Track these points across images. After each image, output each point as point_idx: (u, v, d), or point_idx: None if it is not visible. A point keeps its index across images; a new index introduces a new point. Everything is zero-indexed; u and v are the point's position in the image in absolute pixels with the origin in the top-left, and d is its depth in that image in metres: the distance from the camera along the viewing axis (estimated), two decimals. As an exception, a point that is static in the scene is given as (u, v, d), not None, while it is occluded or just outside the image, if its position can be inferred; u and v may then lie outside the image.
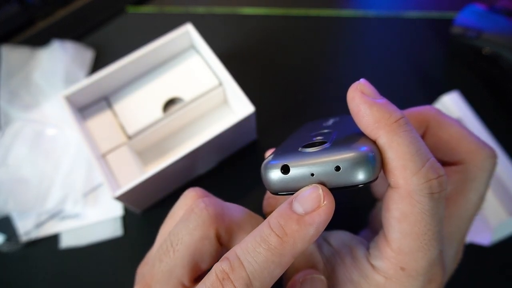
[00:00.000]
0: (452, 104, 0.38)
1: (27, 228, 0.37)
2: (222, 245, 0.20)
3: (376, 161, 0.16)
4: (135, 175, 0.35)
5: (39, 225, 0.37)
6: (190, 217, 0.19)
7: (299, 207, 0.16)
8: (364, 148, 0.16)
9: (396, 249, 0.18)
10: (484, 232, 0.34)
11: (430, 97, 0.40)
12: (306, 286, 0.19)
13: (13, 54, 0.43)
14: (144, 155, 0.38)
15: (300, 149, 0.18)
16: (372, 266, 0.19)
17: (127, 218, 0.38)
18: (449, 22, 0.44)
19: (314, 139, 0.19)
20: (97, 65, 0.44)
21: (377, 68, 0.44)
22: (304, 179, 0.17)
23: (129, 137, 0.36)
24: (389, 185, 0.18)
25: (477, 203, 0.20)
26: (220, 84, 0.38)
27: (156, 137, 0.38)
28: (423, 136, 0.21)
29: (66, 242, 0.37)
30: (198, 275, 0.21)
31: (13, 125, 0.40)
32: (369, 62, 0.44)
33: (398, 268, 0.18)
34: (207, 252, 0.20)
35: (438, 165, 0.17)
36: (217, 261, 0.18)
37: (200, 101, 0.37)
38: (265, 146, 0.40)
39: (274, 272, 0.16)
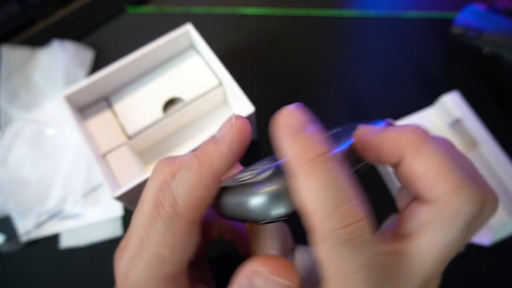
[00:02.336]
0: (452, 104, 0.38)
1: (27, 228, 0.37)
2: None
3: (276, 199, 0.16)
4: (135, 175, 0.35)
5: (39, 225, 0.37)
6: (157, 223, 0.18)
7: (217, 134, 0.18)
8: (260, 187, 0.16)
9: None
10: (484, 232, 0.34)
11: (430, 97, 0.40)
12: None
13: (13, 54, 0.43)
14: (144, 155, 0.38)
15: (237, 177, 0.19)
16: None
17: (127, 218, 0.38)
18: (449, 22, 0.44)
19: (261, 165, 0.19)
20: (97, 65, 0.44)
21: (377, 68, 0.44)
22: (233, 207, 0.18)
23: (129, 137, 0.36)
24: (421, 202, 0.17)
25: (446, 249, 0.17)
26: (220, 84, 0.38)
27: (156, 137, 0.38)
28: (397, 165, 0.17)
29: (66, 242, 0.37)
30: None
31: (13, 125, 0.40)
32: (369, 62, 0.44)
33: None
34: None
35: (357, 209, 0.15)
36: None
37: (200, 101, 0.37)
38: (265, 146, 0.40)
39: (197, 191, 0.17)
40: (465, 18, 0.41)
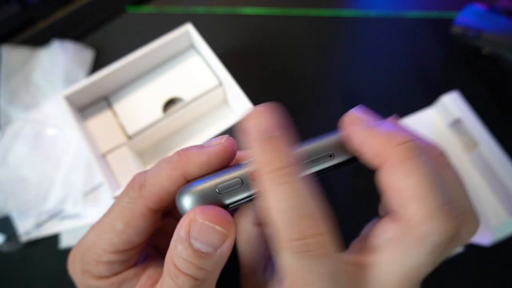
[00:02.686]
0: (452, 104, 0.38)
1: (27, 228, 0.37)
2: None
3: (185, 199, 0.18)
4: (135, 175, 0.35)
5: (39, 225, 0.37)
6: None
7: (205, 143, 0.19)
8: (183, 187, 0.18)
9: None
10: (484, 232, 0.34)
11: (430, 97, 0.40)
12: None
13: (13, 54, 0.43)
14: (144, 155, 0.38)
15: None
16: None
17: (127, 218, 0.38)
18: (449, 22, 0.44)
19: None
20: (97, 65, 0.44)
21: (377, 68, 0.44)
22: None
23: (129, 137, 0.36)
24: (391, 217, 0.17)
25: (411, 270, 0.16)
26: (220, 84, 0.38)
27: (156, 137, 0.38)
28: (376, 170, 0.17)
29: (66, 242, 0.37)
30: None
31: (13, 125, 0.40)
32: (369, 62, 0.44)
33: None
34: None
35: (317, 223, 0.15)
36: None
37: (200, 101, 0.37)
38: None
39: (164, 182, 0.18)
40: (465, 18, 0.41)
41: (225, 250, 0.17)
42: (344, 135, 0.18)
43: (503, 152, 0.35)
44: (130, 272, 0.20)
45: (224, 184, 0.18)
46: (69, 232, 0.37)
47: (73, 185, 0.38)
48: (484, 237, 0.34)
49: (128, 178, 0.35)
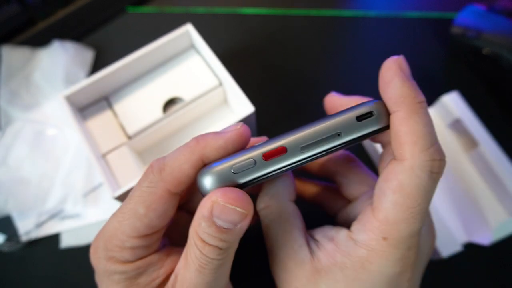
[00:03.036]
0: (452, 104, 0.38)
1: (27, 228, 0.37)
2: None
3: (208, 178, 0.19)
4: (135, 175, 0.35)
5: (39, 225, 0.37)
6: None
7: (221, 130, 0.20)
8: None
9: (382, 219, 0.20)
10: (484, 232, 0.34)
11: (430, 97, 0.40)
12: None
13: (13, 54, 0.43)
14: (144, 155, 0.38)
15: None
16: (354, 241, 0.21)
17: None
18: (449, 22, 0.44)
19: None
20: (97, 65, 0.44)
21: (377, 68, 0.44)
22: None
23: (129, 137, 0.36)
24: (393, 158, 0.20)
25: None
26: (220, 84, 0.38)
27: (156, 137, 0.38)
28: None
29: (66, 242, 0.37)
30: None
31: (13, 125, 0.40)
32: (369, 62, 0.44)
33: (380, 239, 0.20)
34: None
35: (442, 150, 0.19)
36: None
37: (200, 101, 0.37)
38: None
39: (183, 165, 0.19)
40: (465, 18, 0.41)
41: (245, 224, 0.19)
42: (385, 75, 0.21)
43: (503, 152, 0.35)
44: (155, 257, 0.21)
45: (239, 164, 0.19)
46: (69, 232, 0.37)
47: (73, 185, 0.38)
48: (484, 237, 0.34)
49: (128, 178, 0.35)
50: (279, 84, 0.43)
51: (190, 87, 0.38)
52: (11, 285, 0.36)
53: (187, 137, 0.39)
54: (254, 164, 0.19)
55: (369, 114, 0.19)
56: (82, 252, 0.37)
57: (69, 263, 0.37)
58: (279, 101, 0.42)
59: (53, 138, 0.40)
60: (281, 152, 0.19)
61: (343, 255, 0.21)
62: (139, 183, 0.20)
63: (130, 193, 0.21)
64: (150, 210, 0.20)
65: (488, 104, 0.41)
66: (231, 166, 0.19)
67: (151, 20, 0.47)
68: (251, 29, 0.46)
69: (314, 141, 0.19)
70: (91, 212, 0.38)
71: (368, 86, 0.43)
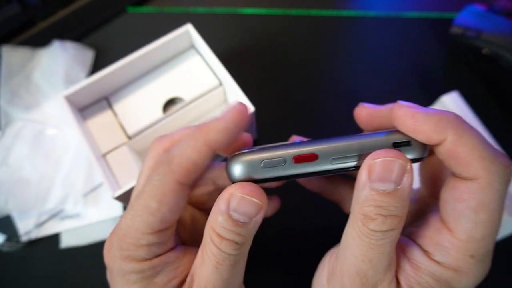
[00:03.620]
0: (452, 104, 0.38)
1: (27, 228, 0.37)
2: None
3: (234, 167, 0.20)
4: (135, 175, 0.35)
5: (39, 225, 0.37)
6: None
7: (219, 114, 0.20)
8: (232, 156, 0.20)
9: (467, 238, 0.19)
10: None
11: (430, 97, 0.40)
12: None
13: (13, 54, 0.43)
14: (144, 155, 0.38)
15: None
16: (437, 263, 0.20)
17: (127, 218, 0.38)
18: (449, 22, 0.44)
19: None
20: (97, 65, 0.44)
21: (377, 68, 0.44)
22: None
23: (129, 137, 0.36)
24: (462, 179, 0.19)
25: (487, 219, 0.19)
26: (220, 84, 0.38)
27: (156, 137, 0.38)
28: (438, 145, 0.19)
29: (66, 242, 0.37)
30: None
31: (13, 125, 0.40)
32: (369, 62, 0.44)
33: (467, 257, 0.19)
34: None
35: (505, 153, 0.19)
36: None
37: (200, 101, 0.37)
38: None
39: (191, 154, 0.20)
40: (465, 18, 0.41)
41: (259, 218, 0.19)
42: (401, 116, 0.20)
43: (502, 152, 0.35)
44: (171, 256, 0.21)
45: (269, 160, 0.19)
46: (69, 232, 0.37)
47: (73, 185, 0.38)
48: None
49: (128, 178, 0.35)
50: (279, 84, 0.43)
51: (190, 87, 0.38)
52: (11, 285, 0.36)
53: (187, 137, 0.39)
54: (283, 163, 0.19)
55: (406, 143, 0.19)
56: (82, 252, 0.37)
57: (69, 263, 0.37)
58: (279, 101, 0.42)
59: (53, 138, 0.40)
60: (312, 158, 0.19)
61: (428, 275, 0.20)
62: (149, 178, 0.20)
63: (139, 189, 0.20)
64: (163, 204, 0.20)
65: (488, 104, 0.41)
66: (262, 160, 0.19)
67: (151, 20, 0.47)
68: (251, 29, 0.46)
69: (346, 155, 0.19)
70: (91, 212, 0.38)
71: (368, 86, 0.43)
